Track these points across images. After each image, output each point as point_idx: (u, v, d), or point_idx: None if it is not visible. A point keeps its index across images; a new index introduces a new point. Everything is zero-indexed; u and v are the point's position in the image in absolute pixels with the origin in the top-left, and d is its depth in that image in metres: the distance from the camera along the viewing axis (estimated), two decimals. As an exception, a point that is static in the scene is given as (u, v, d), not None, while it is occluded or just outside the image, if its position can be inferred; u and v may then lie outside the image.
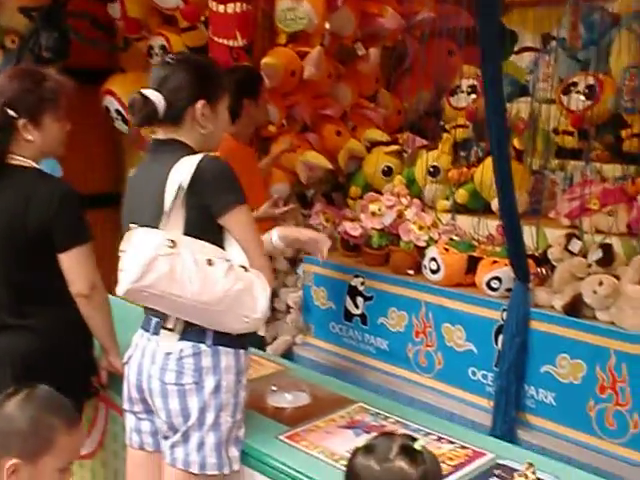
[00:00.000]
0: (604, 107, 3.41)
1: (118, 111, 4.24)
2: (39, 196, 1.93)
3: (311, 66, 3.72)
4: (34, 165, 2.01)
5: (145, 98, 1.72)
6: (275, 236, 2.10)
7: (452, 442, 1.80)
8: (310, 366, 3.75)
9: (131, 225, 1.76)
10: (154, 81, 1.78)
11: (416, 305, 3.30)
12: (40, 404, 1.37)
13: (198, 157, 1.70)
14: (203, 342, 1.73)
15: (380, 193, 3.80)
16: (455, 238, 3.39)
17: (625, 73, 3.35)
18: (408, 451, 1.25)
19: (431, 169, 3.72)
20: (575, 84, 3.50)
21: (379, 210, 3.63)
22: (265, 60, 3.62)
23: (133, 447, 1.93)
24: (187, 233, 1.70)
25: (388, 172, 3.96)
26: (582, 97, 3.41)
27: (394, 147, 3.99)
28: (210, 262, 1.67)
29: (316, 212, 3.97)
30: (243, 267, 1.71)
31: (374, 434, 1.82)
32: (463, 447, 1.77)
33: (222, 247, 1.73)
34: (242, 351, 1.80)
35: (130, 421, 1.92)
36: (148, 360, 1.78)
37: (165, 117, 1.76)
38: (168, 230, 1.69)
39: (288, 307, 3.93)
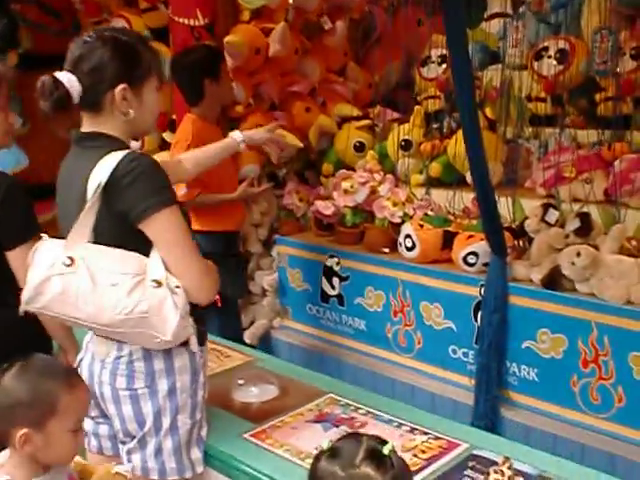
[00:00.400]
0: (576, 71, 3.30)
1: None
2: None
3: (276, 43, 3.59)
4: None
5: (55, 81, 1.55)
6: (241, 140, 2.15)
7: (426, 433, 1.71)
8: (288, 349, 3.68)
9: (42, 235, 1.63)
10: (68, 61, 1.60)
11: (393, 284, 3.22)
12: (36, 371, 1.36)
13: (120, 155, 1.54)
14: None
15: (353, 169, 3.70)
16: (430, 213, 3.30)
17: (596, 35, 3.23)
18: (375, 455, 1.16)
19: (403, 143, 3.61)
20: (546, 49, 3.39)
21: (352, 187, 3.53)
22: (228, 39, 3.49)
23: (92, 451, 1.84)
24: (101, 241, 1.56)
25: (360, 148, 3.84)
26: (554, 62, 3.30)
27: (365, 122, 3.87)
28: (113, 279, 1.51)
29: (289, 191, 3.85)
30: (157, 282, 1.53)
31: (343, 428, 1.75)
32: (437, 438, 1.69)
33: (147, 255, 1.57)
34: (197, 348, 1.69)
35: (87, 425, 1.81)
36: (98, 364, 1.68)
37: (82, 103, 1.60)
38: (77, 238, 1.54)
39: (264, 290, 3.83)
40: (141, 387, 1.62)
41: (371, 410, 1.84)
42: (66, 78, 1.56)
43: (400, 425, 1.76)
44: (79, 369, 1.76)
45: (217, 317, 3.33)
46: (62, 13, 4.11)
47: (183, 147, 2.99)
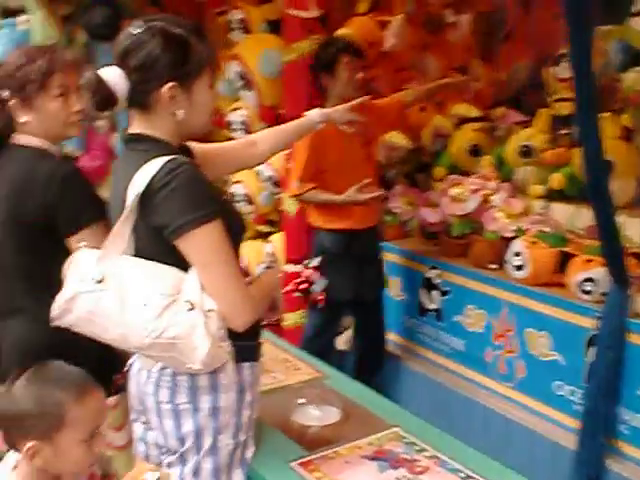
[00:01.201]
0: None
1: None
2: (37, 178, 1.76)
3: (392, 36, 3.42)
4: (37, 144, 1.83)
5: (99, 79, 1.43)
6: (319, 119, 1.96)
7: (495, 492, 1.46)
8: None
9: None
10: (115, 55, 1.47)
11: (497, 304, 2.92)
12: (44, 380, 1.30)
13: (159, 163, 1.40)
14: None
15: (468, 175, 3.42)
16: (546, 230, 2.95)
17: None
18: None
19: (523, 149, 3.28)
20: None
21: (461, 194, 3.26)
22: (340, 32, 3.34)
23: (139, 456, 1.74)
24: (139, 254, 1.45)
25: (476, 152, 3.55)
26: None
27: (483, 123, 3.56)
28: (143, 300, 1.39)
29: (396, 194, 3.63)
30: (191, 303, 1.38)
31: (401, 471, 1.54)
32: (507, 501, 1.43)
33: (186, 271, 1.44)
34: (247, 364, 1.54)
35: (137, 429, 1.73)
36: (144, 374, 1.57)
37: (130, 102, 1.48)
38: (112, 250, 1.44)
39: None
40: (183, 402, 1.51)
41: (438, 454, 1.60)
42: (112, 75, 1.44)
43: (468, 477, 1.51)
44: (128, 375, 1.67)
45: (318, 316, 3.19)
46: (165, 4, 4.14)
47: (303, 145, 2.90)
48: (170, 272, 1.42)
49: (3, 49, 3.52)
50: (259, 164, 2.49)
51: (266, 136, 1.96)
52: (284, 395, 1.91)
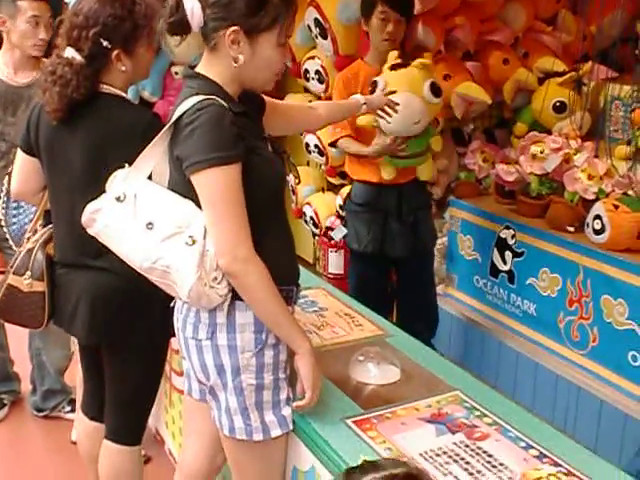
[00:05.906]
0: None
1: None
2: (120, 128, 1.79)
3: (477, -17, 3.23)
4: (121, 94, 1.86)
5: (178, 4, 1.45)
6: (362, 103, 2.03)
7: (557, 464, 1.40)
8: (448, 320, 3.43)
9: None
10: None
11: (573, 269, 2.81)
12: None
13: (193, 100, 1.44)
14: None
15: (550, 133, 3.27)
16: (630, 193, 2.80)
17: None
18: None
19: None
20: None
21: (541, 153, 3.12)
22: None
23: (184, 392, 1.82)
24: (170, 186, 1.54)
25: (561, 108, 3.37)
26: None
27: (568, 76, 3.35)
28: (150, 225, 1.47)
29: (472, 150, 3.52)
30: (193, 239, 1.44)
31: (459, 436, 1.50)
32: (569, 473, 1.37)
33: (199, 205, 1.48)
34: None
35: (183, 365, 1.79)
36: (178, 309, 1.65)
37: (201, 35, 1.50)
38: (137, 172, 1.53)
39: (431, 254, 3.56)
40: (204, 338, 1.55)
41: (499, 421, 1.55)
42: (190, 4, 1.45)
43: (529, 447, 1.46)
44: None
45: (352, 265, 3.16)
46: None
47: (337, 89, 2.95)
48: (186, 205, 1.48)
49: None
50: (316, 129, 2.47)
51: (324, 105, 2.09)
52: (344, 351, 1.88)
